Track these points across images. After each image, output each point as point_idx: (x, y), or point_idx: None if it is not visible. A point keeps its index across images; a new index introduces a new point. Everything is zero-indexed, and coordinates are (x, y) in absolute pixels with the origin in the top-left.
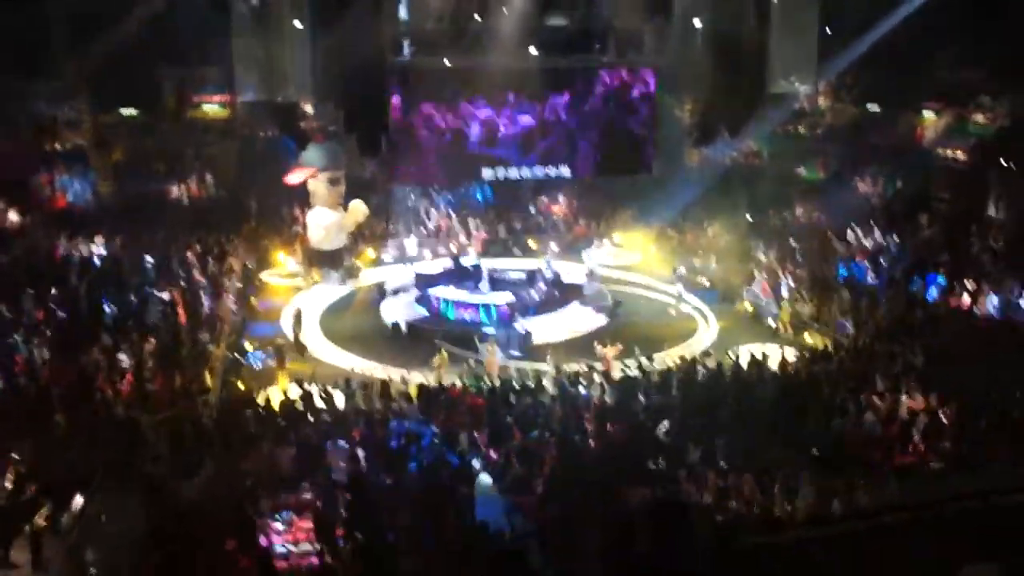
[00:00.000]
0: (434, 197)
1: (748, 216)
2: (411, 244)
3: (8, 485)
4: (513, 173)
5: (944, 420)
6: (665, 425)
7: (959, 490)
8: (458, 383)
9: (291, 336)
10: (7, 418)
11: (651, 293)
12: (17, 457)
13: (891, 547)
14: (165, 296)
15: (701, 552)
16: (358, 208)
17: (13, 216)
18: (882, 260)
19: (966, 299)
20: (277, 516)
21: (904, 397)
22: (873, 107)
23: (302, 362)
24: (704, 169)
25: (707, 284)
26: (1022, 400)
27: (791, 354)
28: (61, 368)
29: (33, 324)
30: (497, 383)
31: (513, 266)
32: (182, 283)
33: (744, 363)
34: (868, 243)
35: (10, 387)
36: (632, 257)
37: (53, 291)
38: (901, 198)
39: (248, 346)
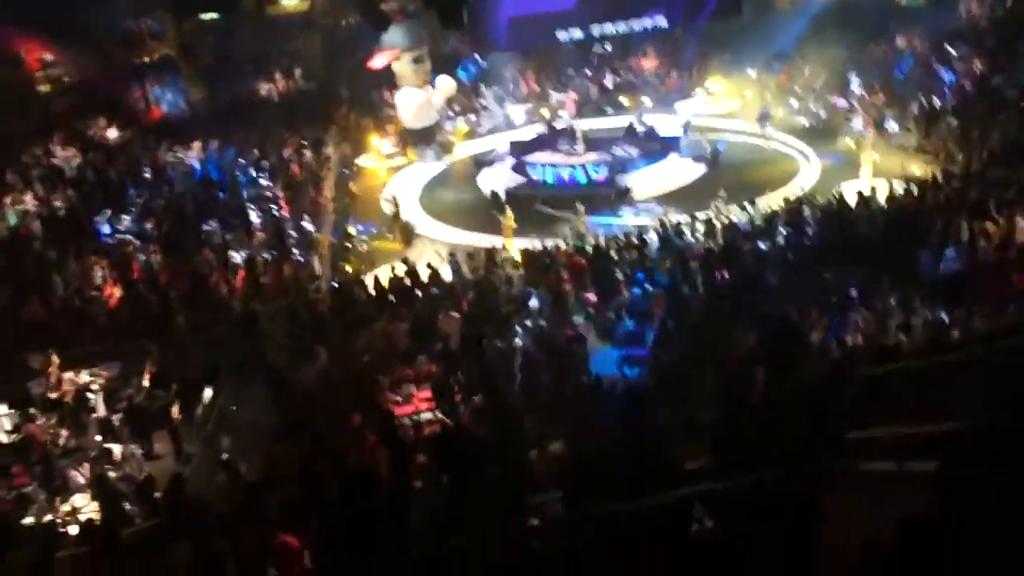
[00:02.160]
0: (521, 63)
1: (845, 50)
2: (504, 113)
3: (145, 384)
4: (597, 30)
5: None
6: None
7: None
8: (562, 245)
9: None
10: (133, 323)
11: (750, 139)
12: (149, 359)
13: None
14: (268, 191)
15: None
16: (446, 84)
17: (113, 132)
18: (994, 82)
19: None
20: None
21: (1020, 220)
22: None
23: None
24: (794, 6)
25: (805, 123)
26: None
27: (899, 187)
28: (177, 271)
29: (145, 233)
30: (600, 241)
31: (607, 124)
32: (284, 176)
33: (850, 200)
34: (976, 66)
35: (130, 294)
36: (728, 105)
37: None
38: (1011, 17)
39: (352, 230)
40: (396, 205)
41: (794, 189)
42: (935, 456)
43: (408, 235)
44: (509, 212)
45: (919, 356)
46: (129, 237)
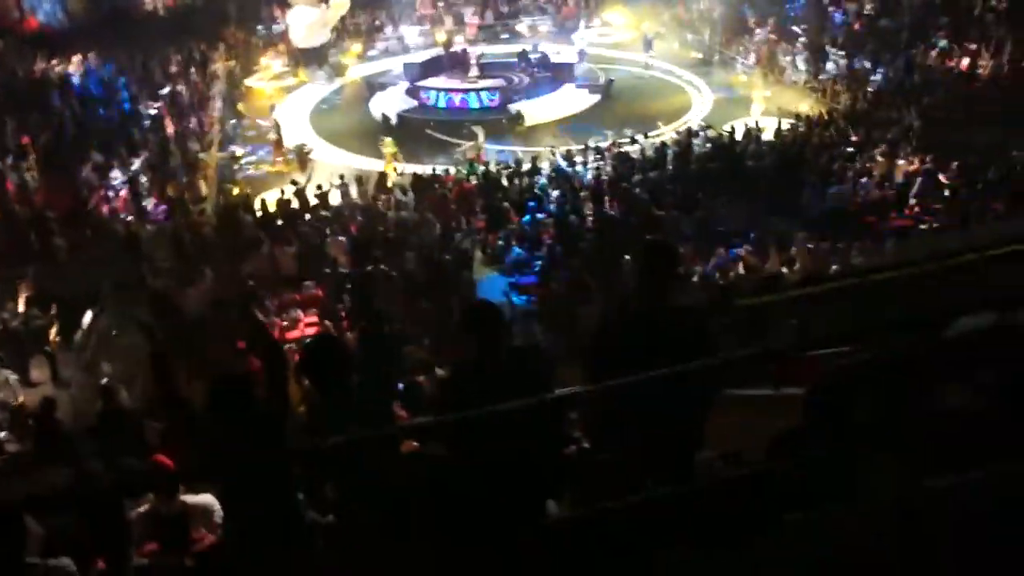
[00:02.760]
0: None
1: None
2: (397, 35)
3: (20, 308)
4: None
5: (942, 180)
6: None
7: (954, 247)
8: (452, 170)
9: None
10: (8, 245)
11: (643, 70)
12: (24, 281)
13: (884, 301)
14: (151, 109)
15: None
16: (340, 2)
17: None
18: (881, 23)
19: (966, 62)
20: (283, 314)
21: (901, 161)
22: None
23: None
24: None
25: (699, 57)
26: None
27: (786, 124)
28: (55, 191)
29: (19, 149)
30: (491, 168)
31: (502, 51)
32: (166, 94)
33: (739, 134)
34: (865, 6)
35: (5, 214)
36: (623, 35)
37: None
38: None
39: (239, 151)
40: (277, 129)
41: (685, 122)
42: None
43: (303, 159)
44: (388, 139)
45: (798, 287)
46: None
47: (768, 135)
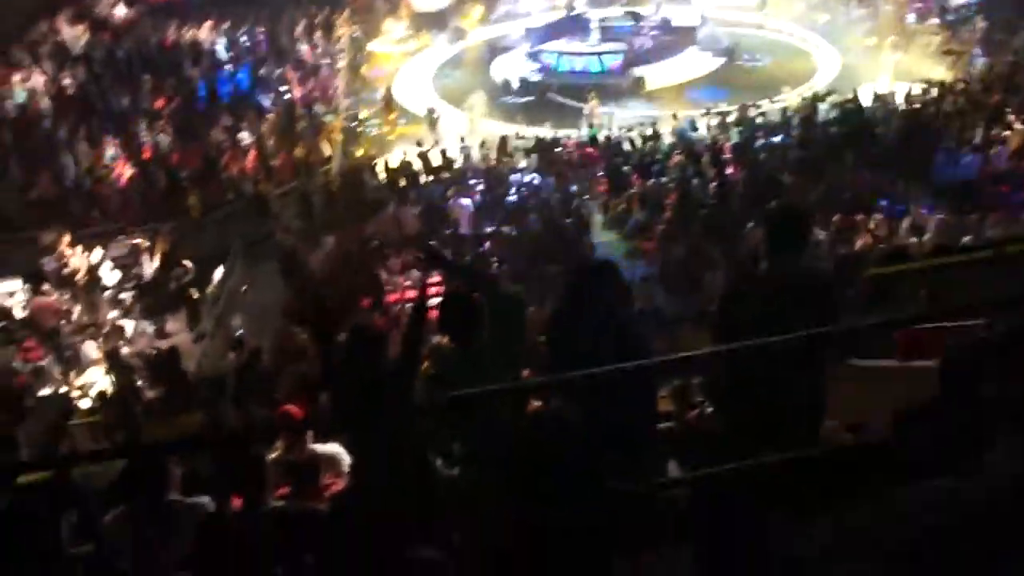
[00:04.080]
0: None
1: None
2: None
3: (156, 263)
4: None
5: None
6: None
7: None
8: (574, 134)
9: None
10: (144, 203)
11: (768, 33)
12: (160, 237)
13: (1016, 274)
14: (278, 72)
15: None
16: None
17: (121, 9)
18: None
19: None
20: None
21: None
22: None
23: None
24: None
25: (826, 18)
26: None
27: (917, 89)
28: (188, 152)
29: (154, 113)
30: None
31: (623, 13)
32: (294, 57)
33: (867, 100)
34: None
35: (142, 174)
36: None
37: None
38: None
39: (363, 114)
40: (388, 93)
41: (811, 86)
42: (939, 354)
43: (432, 122)
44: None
45: (928, 258)
46: None
47: (898, 100)
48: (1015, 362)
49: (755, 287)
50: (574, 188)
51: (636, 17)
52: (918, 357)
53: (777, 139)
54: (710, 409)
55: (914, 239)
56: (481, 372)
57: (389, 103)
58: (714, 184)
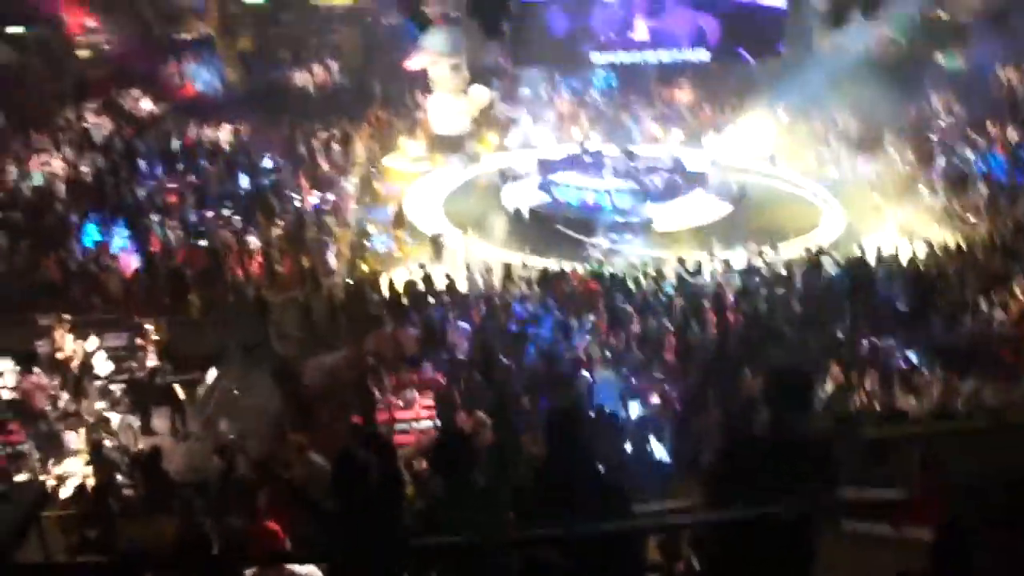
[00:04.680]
0: (557, 82)
1: (881, 105)
2: (534, 129)
3: (150, 361)
4: (636, 57)
5: None
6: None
7: None
8: (579, 269)
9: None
10: (145, 297)
11: (777, 182)
12: (156, 334)
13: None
14: (291, 180)
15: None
16: (480, 93)
17: (146, 104)
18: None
19: None
20: (399, 393)
21: None
22: None
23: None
24: (837, 54)
25: (834, 174)
26: None
27: (921, 249)
28: (194, 250)
29: (167, 207)
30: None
31: (636, 153)
32: (310, 168)
33: (871, 257)
34: (1011, 135)
35: (147, 267)
36: (758, 145)
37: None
38: None
39: (372, 229)
40: (400, 209)
41: (816, 238)
42: (931, 522)
43: (437, 246)
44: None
45: (925, 422)
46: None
47: (902, 259)
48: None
49: (754, 444)
50: (574, 323)
51: (648, 158)
52: (912, 523)
53: (780, 291)
54: (698, 563)
55: (912, 400)
56: (471, 511)
57: (400, 220)
58: (714, 330)
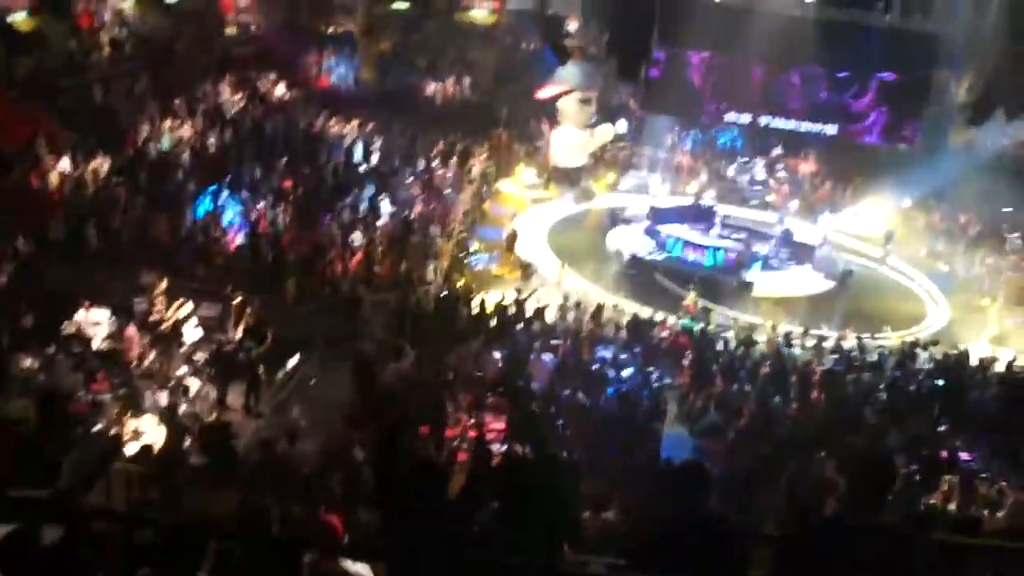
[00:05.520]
0: (683, 133)
1: (1009, 209)
2: (651, 176)
3: (238, 334)
4: (767, 122)
5: None
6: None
7: None
8: (671, 320)
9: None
10: (244, 273)
11: (885, 270)
12: (250, 310)
13: None
14: (405, 185)
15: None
16: (605, 131)
17: (280, 89)
18: None
19: None
20: (472, 413)
21: None
22: None
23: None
24: (970, 151)
25: (945, 269)
26: None
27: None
28: (300, 236)
29: (281, 191)
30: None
31: (748, 216)
32: (424, 176)
33: (969, 360)
34: None
35: (250, 245)
36: (872, 229)
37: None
38: None
39: (474, 247)
40: (513, 236)
41: (915, 332)
42: None
43: (526, 273)
44: (694, 295)
45: (1000, 535)
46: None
47: (1000, 366)
48: None
49: (825, 530)
50: (657, 373)
51: (759, 223)
52: None
53: (867, 376)
54: None
55: (986, 511)
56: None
57: (512, 243)
58: (795, 405)
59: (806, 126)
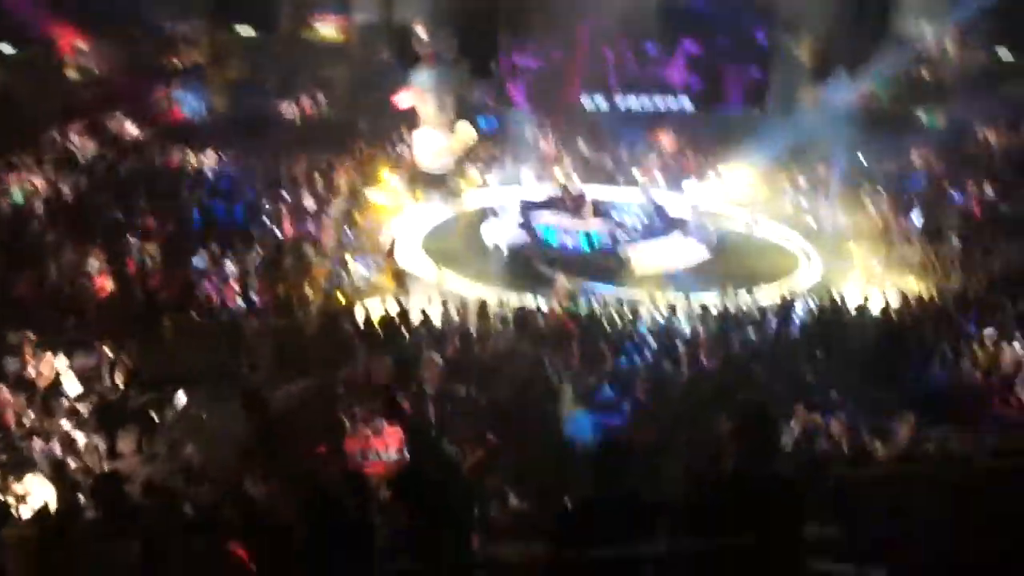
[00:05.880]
0: (541, 123)
1: (862, 159)
2: (517, 169)
3: (118, 382)
4: (621, 102)
5: None
6: None
7: None
8: (555, 306)
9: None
10: (117, 319)
11: (755, 229)
12: (128, 355)
13: (982, 492)
14: (272, 208)
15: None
16: (466, 131)
17: (131, 128)
18: (1001, 209)
19: None
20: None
21: (1009, 347)
22: (1005, 54)
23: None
24: (819, 110)
25: (811, 223)
26: None
27: (894, 299)
28: (170, 273)
29: (145, 230)
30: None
31: (617, 195)
32: (289, 197)
33: (844, 305)
34: (987, 191)
35: (121, 289)
36: (737, 194)
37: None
38: None
39: (350, 259)
40: (392, 244)
41: (791, 285)
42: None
43: (400, 279)
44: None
45: (890, 464)
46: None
47: (874, 309)
48: None
49: (722, 484)
50: (547, 360)
51: (629, 201)
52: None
53: (751, 334)
54: None
55: (879, 445)
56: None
57: (392, 251)
58: (686, 372)
59: (661, 101)
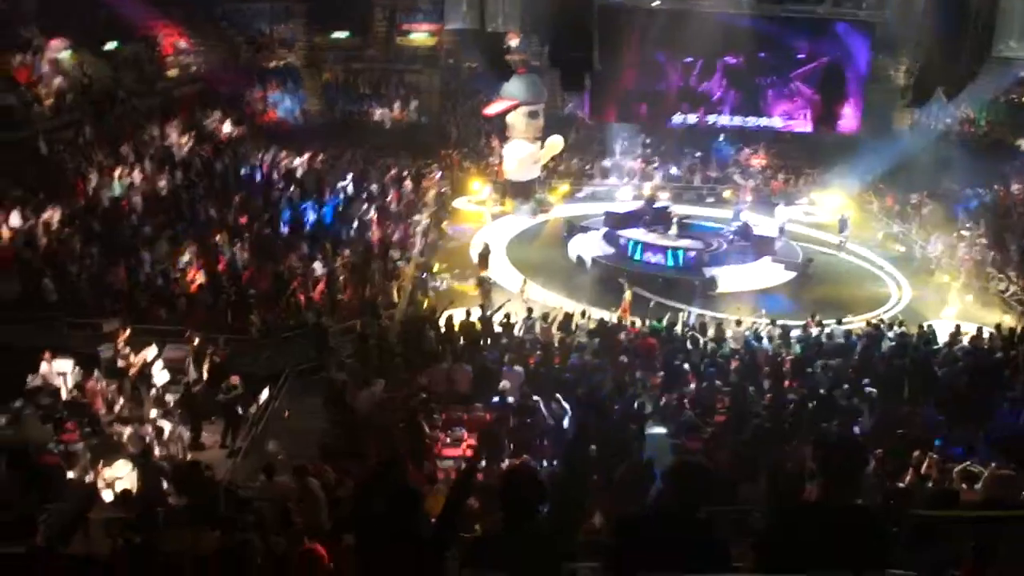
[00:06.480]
0: (632, 138)
1: (957, 186)
2: (605, 183)
3: (204, 375)
4: (714, 120)
5: None
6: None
7: None
8: (639, 323)
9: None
10: (209, 313)
11: (844, 255)
12: (216, 349)
13: None
14: (363, 213)
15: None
16: (555, 143)
17: (227, 127)
18: None
19: None
20: (448, 430)
21: None
22: None
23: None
24: (914, 133)
25: (902, 250)
26: None
27: (987, 332)
28: (260, 271)
29: (237, 229)
30: (675, 327)
31: (705, 214)
32: (379, 202)
33: (936, 337)
34: None
35: (211, 284)
36: (828, 217)
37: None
38: None
39: (436, 267)
40: (486, 252)
41: (880, 314)
42: None
43: (485, 289)
44: (629, 293)
45: (977, 508)
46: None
47: (964, 342)
48: None
49: (805, 517)
50: (630, 376)
51: (718, 221)
52: None
53: (835, 361)
54: None
55: (964, 486)
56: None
57: (485, 259)
58: (769, 395)
59: (752, 121)
